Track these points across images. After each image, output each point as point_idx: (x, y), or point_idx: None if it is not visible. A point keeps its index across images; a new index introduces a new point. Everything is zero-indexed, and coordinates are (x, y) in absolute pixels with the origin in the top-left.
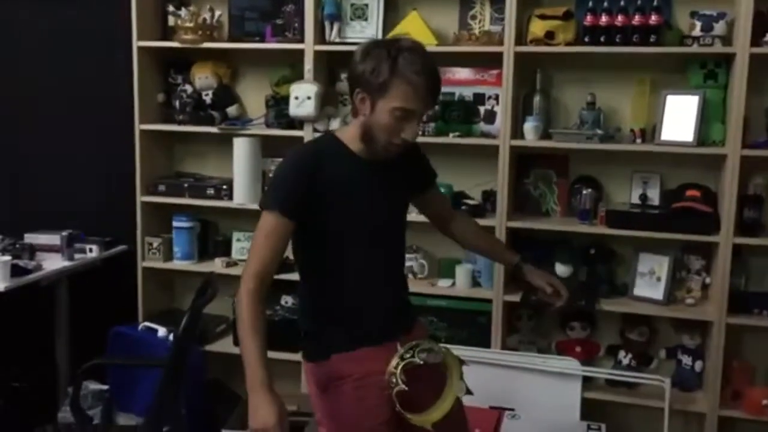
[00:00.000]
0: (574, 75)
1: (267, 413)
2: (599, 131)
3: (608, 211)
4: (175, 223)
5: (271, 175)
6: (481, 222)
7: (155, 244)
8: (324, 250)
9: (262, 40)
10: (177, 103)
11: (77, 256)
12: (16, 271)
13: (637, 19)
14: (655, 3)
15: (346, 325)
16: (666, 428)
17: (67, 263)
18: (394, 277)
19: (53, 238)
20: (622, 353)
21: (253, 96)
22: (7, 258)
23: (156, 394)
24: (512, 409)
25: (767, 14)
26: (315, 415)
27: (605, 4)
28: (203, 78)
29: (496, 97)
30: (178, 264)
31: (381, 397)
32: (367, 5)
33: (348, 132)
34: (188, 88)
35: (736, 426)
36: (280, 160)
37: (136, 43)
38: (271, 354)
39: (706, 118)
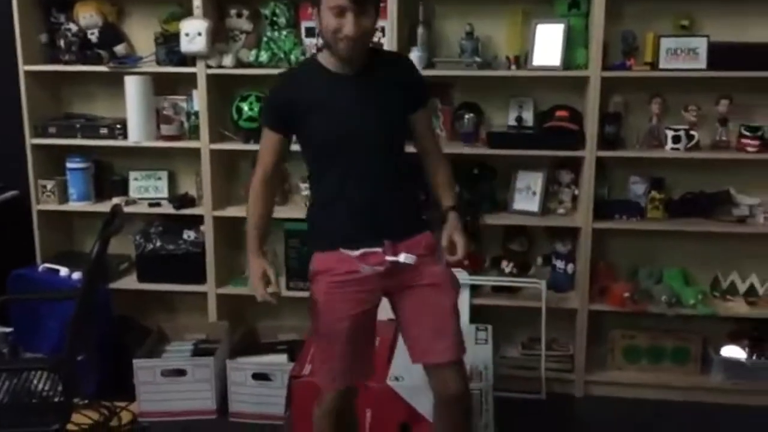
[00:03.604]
0: (453, 6)
1: (253, 275)
2: (478, 59)
3: (489, 133)
4: (68, 165)
5: (164, 112)
6: None
7: (49, 187)
8: (311, 157)
9: None
10: (62, 43)
11: None
12: None
13: None
14: None
15: (325, 227)
16: (543, 324)
17: None
18: (377, 187)
19: None
20: (504, 263)
21: (141, 34)
22: None
23: (70, 323)
24: None
25: None
26: None
27: None
28: (87, 17)
29: (382, 30)
30: (74, 205)
31: (352, 296)
32: None
33: (324, 52)
34: (72, 27)
35: (603, 317)
36: (173, 96)
37: None
38: (176, 287)
39: (571, 44)
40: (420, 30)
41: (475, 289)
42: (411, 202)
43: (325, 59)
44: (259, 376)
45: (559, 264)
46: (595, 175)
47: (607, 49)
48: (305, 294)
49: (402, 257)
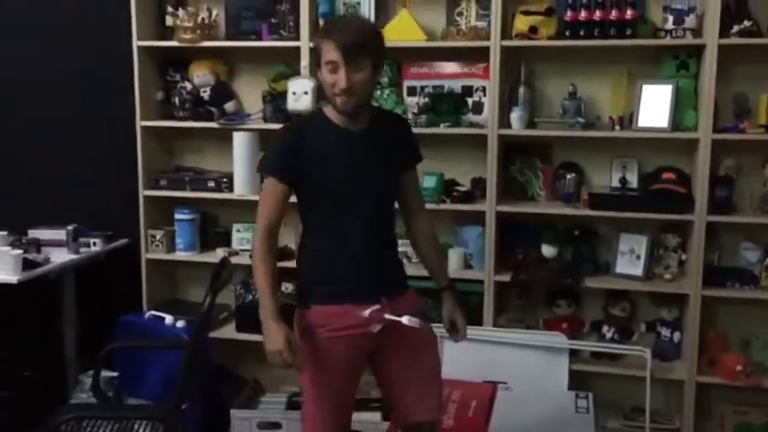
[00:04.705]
0: (556, 67)
1: (274, 340)
2: (581, 119)
3: (591, 194)
4: (177, 216)
5: None
6: (471, 207)
7: (158, 236)
8: (310, 208)
9: (259, 38)
10: (176, 100)
11: (82, 249)
12: (26, 264)
13: (613, 14)
14: None
15: (324, 280)
16: (648, 395)
17: (73, 256)
18: (376, 242)
19: (59, 233)
20: (605, 327)
21: (250, 92)
22: (19, 252)
23: (179, 373)
24: (505, 383)
25: (733, 8)
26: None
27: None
28: (201, 75)
29: (483, 89)
30: (180, 255)
31: (347, 351)
32: (359, 3)
33: (329, 106)
34: (187, 85)
35: (713, 390)
36: None
37: (136, 43)
38: None
39: (679, 105)
40: (521, 90)
41: (574, 354)
42: (398, 256)
43: (331, 113)
44: None
45: (665, 331)
46: (704, 241)
47: (717, 111)
48: None
49: (405, 320)
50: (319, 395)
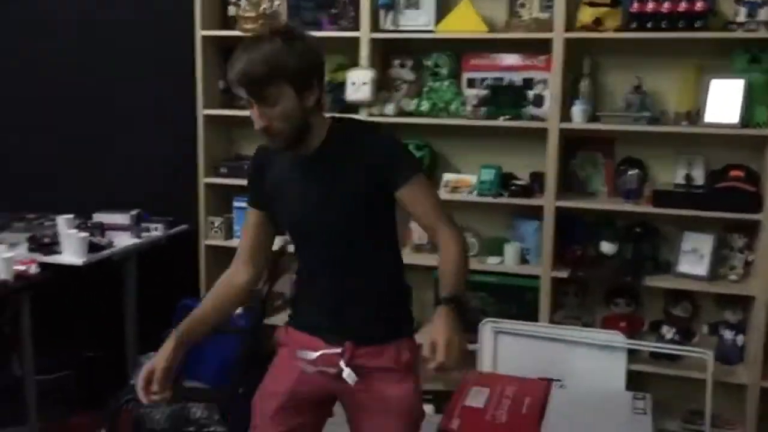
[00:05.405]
0: (620, 60)
1: (148, 364)
2: (647, 114)
3: (655, 191)
4: (235, 203)
5: None
6: (530, 202)
7: (217, 223)
8: (290, 236)
9: (319, 29)
10: None
11: (144, 234)
12: (91, 247)
13: (683, 6)
14: None
15: (298, 306)
16: (708, 398)
17: (135, 241)
18: (347, 280)
19: (122, 218)
20: (665, 328)
21: None
22: (85, 235)
23: (237, 359)
24: (560, 380)
25: None
26: None
27: None
28: None
29: (544, 82)
30: (238, 242)
31: (289, 374)
32: None
33: None
34: None
35: None
36: None
37: (199, 33)
38: None
39: (750, 100)
40: (584, 83)
41: (632, 354)
42: (390, 302)
43: None
44: None
45: (728, 334)
46: None
47: None
48: None
49: (345, 373)
50: (260, 404)
